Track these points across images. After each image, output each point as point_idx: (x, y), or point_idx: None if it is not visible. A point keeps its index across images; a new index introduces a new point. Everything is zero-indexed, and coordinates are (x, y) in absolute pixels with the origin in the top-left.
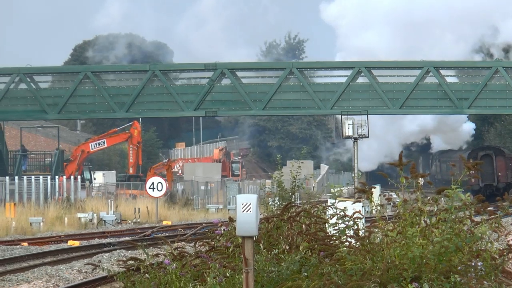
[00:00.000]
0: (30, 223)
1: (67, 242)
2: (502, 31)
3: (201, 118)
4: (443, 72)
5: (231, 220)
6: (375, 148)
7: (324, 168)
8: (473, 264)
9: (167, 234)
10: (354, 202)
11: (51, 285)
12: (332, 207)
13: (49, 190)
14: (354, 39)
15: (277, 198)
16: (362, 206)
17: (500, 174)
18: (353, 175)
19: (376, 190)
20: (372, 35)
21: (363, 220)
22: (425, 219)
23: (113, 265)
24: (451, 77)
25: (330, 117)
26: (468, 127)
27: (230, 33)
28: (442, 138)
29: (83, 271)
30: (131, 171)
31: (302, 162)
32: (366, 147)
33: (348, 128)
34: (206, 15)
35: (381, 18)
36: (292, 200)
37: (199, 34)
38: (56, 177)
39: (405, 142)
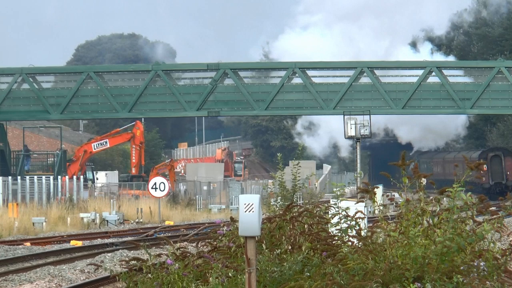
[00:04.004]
0: (33, 223)
1: (69, 242)
2: None
3: (203, 118)
4: (445, 72)
5: (233, 220)
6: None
7: (326, 168)
8: (475, 264)
9: (169, 234)
10: (357, 202)
11: (54, 285)
12: (334, 206)
13: (51, 190)
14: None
15: (279, 198)
16: (365, 206)
17: (508, 173)
18: (355, 174)
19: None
20: None
21: (366, 220)
22: (428, 219)
23: (115, 265)
24: (453, 77)
25: None
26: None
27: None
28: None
29: (86, 271)
30: (133, 171)
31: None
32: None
33: (351, 128)
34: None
35: None
36: (294, 200)
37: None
38: (59, 177)
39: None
